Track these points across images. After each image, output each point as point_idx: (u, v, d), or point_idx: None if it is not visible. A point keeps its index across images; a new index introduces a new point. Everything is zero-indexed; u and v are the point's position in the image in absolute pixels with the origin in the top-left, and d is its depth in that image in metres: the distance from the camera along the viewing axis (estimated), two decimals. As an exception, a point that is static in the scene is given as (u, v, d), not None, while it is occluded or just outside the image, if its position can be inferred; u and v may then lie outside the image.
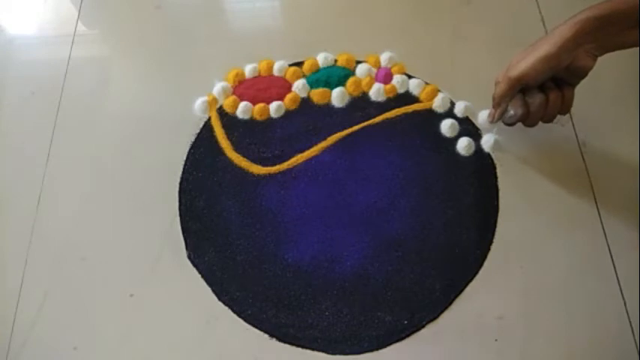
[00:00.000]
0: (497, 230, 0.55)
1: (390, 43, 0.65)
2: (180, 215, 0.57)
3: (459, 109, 0.61)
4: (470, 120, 0.61)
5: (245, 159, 0.60)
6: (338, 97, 0.62)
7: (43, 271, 0.55)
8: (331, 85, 0.63)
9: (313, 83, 0.64)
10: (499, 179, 0.58)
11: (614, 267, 0.53)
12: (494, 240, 0.55)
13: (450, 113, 0.61)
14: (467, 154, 0.59)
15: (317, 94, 0.63)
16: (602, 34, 0.48)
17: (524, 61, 0.50)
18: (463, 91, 0.62)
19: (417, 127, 0.61)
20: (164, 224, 0.57)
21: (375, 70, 0.64)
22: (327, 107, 0.63)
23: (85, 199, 0.59)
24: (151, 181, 0.59)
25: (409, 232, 0.55)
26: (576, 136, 0.59)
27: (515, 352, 0.50)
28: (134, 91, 0.66)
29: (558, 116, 0.54)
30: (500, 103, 0.54)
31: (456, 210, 0.56)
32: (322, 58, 0.65)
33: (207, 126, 0.62)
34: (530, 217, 0.56)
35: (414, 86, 0.63)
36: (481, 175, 0.58)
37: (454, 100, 0.62)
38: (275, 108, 0.62)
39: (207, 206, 0.58)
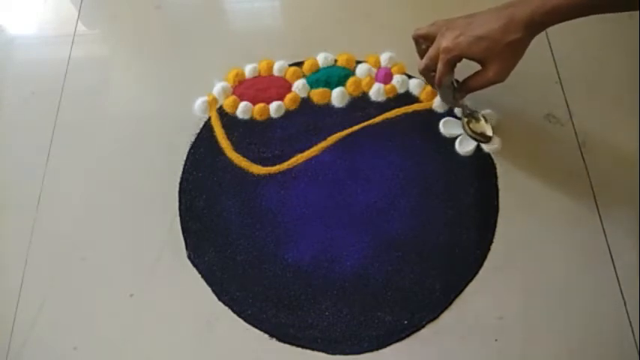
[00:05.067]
0: (497, 230, 0.55)
1: (390, 43, 0.65)
2: (180, 215, 0.57)
3: (459, 109, 0.61)
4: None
5: (245, 159, 0.60)
6: (338, 97, 0.62)
7: (43, 271, 0.56)
8: (331, 85, 0.63)
9: (313, 83, 0.64)
10: (499, 179, 0.58)
11: (614, 267, 0.53)
12: (494, 240, 0.55)
13: (450, 113, 0.61)
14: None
15: (317, 94, 0.63)
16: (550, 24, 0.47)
17: (461, 39, 0.49)
18: (463, 91, 0.62)
19: (417, 127, 0.61)
20: (164, 224, 0.57)
21: (375, 70, 0.64)
22: (327, 107, 0.63)
23: (84, 199, 0.59)
24: (150, 181, 0.59)
25: (409, 232, 0.55)
26: (576, 136, 0.59)
27: (515, 352, 0.50)
28: (134, 91, 0.66)
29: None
30: (442, 82, 0.54)
31: (456, 210, 0.56)
32: (322, 58, 0.65)
33: (207, 126, 0.62)
34: (530, 217, 0.56)
35: (414, 86, 0.63)
36: (481, 175, 0.58)
37: (454, 100, 0.62)
38: (275, 108, 0.62)
39: (207, 206, 0.58)
